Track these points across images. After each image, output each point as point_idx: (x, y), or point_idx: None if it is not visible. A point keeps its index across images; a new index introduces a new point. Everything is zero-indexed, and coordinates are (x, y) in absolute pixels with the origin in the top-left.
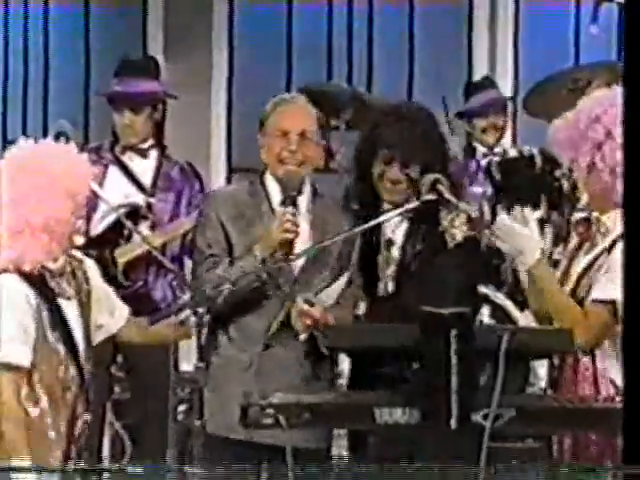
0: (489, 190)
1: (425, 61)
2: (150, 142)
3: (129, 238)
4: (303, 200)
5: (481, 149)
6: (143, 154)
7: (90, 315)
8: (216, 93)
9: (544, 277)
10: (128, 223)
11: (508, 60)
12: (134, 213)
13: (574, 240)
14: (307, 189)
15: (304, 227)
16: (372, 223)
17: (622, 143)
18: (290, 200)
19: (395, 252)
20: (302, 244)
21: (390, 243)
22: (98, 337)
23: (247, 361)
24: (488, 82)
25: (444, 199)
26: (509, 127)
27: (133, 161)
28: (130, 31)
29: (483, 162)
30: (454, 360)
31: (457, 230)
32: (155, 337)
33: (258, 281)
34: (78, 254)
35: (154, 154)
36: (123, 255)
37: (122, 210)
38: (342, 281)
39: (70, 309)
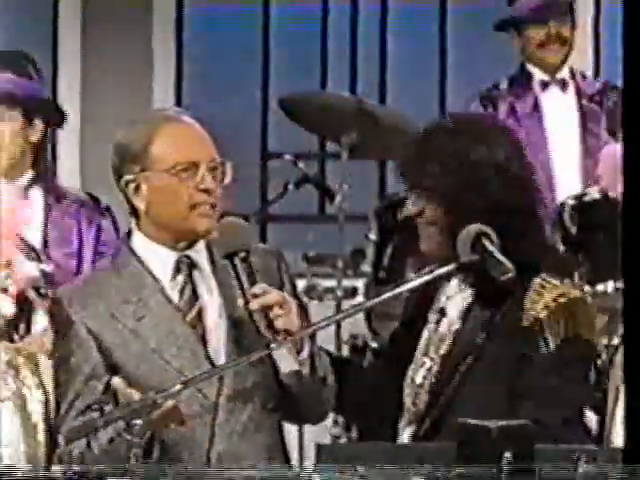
0: (559, 247)
1: (460, 67)
2: (29, 175)
3: (27, 330)
4: (202, 257)
5: (539, 75)
6: (21, 195)
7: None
8: (159, 105)
9: None
10: (37, 300)
11: (587, 64)
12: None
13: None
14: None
15: (209, 297)
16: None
17: (622, 145)
18: (185, 270)
19: (444, 327)
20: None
21: (442, 314)
22: None
23: None
24: None
25: (494, 261)
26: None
27: None
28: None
29: (543, 96)
30: None
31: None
32: None
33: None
34: (31, 347)
35: (38, 193)
36: None
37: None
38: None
39: None
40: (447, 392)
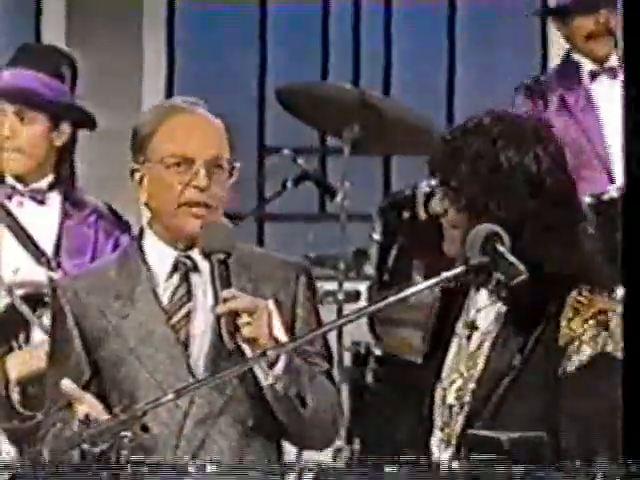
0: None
1: (470, 55)
2: (49, 179)
3: (27, 339)
4: (204, 269)
5: (588, 65)
6: (39, 199)
7: None
8: (150, 99)
9: None
10: (26, 311)
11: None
12: (32, 298)
13: None
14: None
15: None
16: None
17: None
18: (182, 270)
19: (475, 343)
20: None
21: (472, 328)
22: None
23: None
24: None
25: (505, 263)
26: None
27: (24, 208)
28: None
29: (593, 87)
30: None
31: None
32: None
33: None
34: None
35: (56, 199)
36: (18, 365)
37: (18, 293)
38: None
39: None
40: (485, 414)
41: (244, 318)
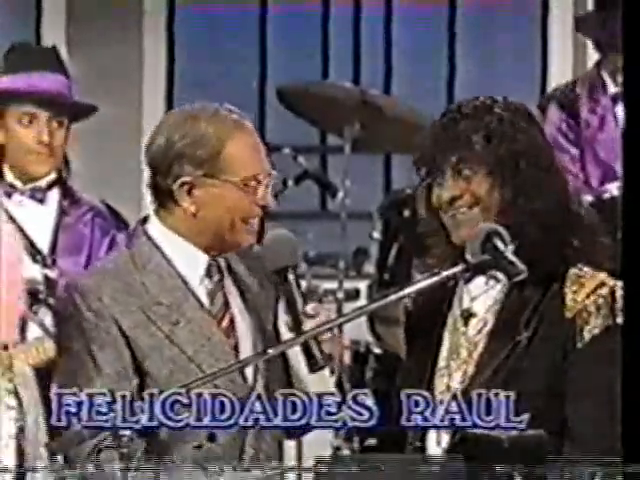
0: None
1: (470, 53)
2: (51, 177)
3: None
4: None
5: (611, 87)
6: (39, 197)
7: None
8: (150, 98)
9: None
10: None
11: None
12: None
13: None
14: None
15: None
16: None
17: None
18: (217, 276)
19: (473, 329)
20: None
21: (469, 315)
22: None
23: None
24: None
25: (505, 262)
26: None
27: (22, 207)
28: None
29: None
30: None
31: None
32: None
33: None
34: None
35: (54, 197)
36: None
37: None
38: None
39: None
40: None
41: (324, 335)
